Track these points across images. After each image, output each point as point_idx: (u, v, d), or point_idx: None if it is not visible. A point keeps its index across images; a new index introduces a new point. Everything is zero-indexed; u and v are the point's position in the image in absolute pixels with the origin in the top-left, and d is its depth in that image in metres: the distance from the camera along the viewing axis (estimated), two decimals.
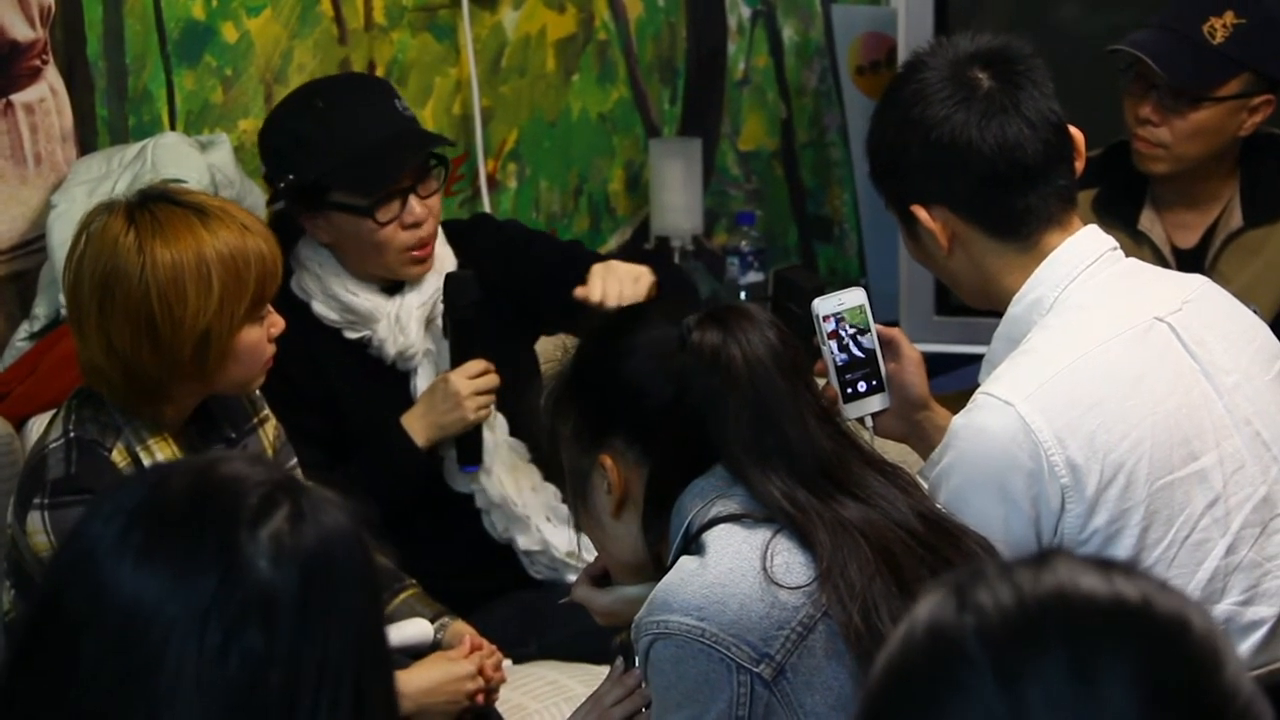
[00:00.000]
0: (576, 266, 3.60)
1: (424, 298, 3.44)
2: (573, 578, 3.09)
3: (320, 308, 3.42)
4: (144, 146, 3.54)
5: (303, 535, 1.48)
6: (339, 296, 3.41)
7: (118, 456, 2.82)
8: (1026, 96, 2.54)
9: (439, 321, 3.45)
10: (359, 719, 1.47)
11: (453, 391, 3.38)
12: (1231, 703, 1.27)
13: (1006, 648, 1.26)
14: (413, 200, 3.36)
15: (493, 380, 3.41)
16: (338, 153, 3.32)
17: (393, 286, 3.45)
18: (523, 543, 3.50)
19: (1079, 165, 2.59)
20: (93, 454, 2.81)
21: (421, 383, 3.46)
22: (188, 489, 1.51)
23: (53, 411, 2.98)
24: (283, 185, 3.35)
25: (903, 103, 2.57)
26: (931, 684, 1.28)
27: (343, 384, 3.43)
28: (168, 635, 1.44)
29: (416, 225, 3.36)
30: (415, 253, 3.38)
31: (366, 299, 3.42)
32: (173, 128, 3.74)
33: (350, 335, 3.43)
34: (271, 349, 2.88)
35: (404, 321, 3.43)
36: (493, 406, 3.45)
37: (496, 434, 3.49)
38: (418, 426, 3.40)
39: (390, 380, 3.46)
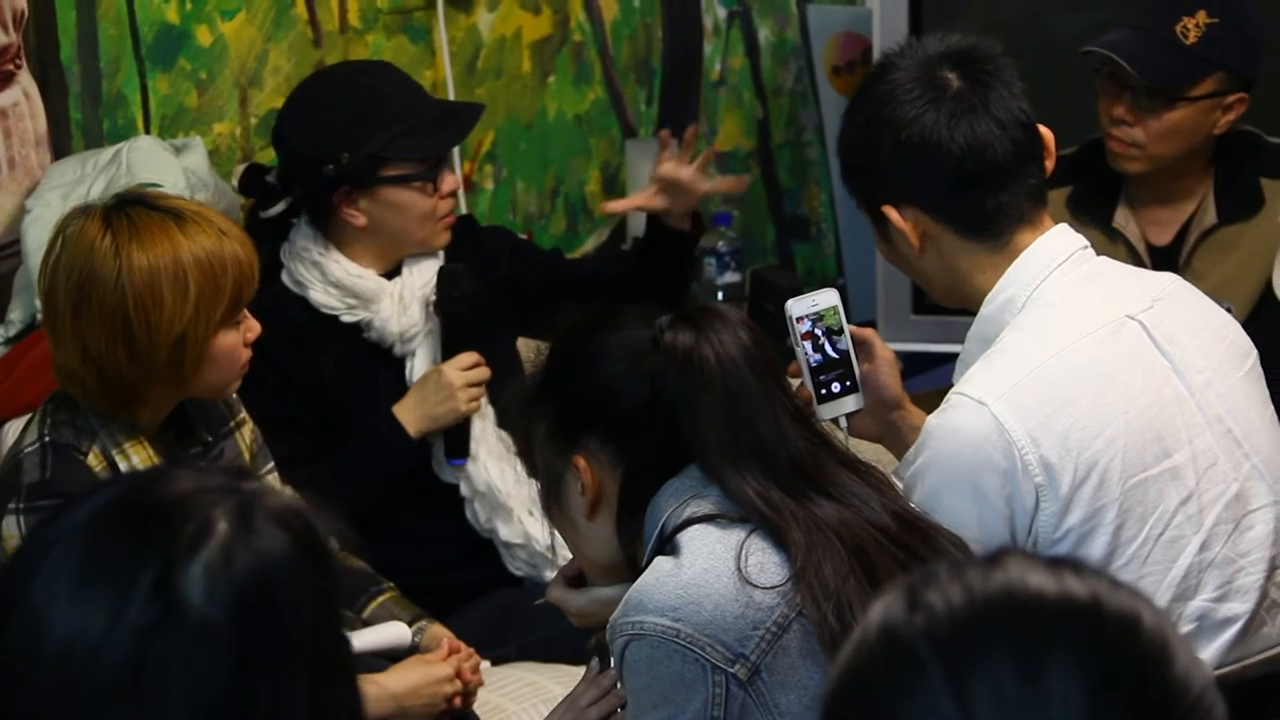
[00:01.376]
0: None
1: (425, 279, 3.48)
2: (550, 574, 3.09)
3: (319, 295, 3.44)
4: (118, 150, 3.53)
5: (236, 564, 1.42)
6: (342, 281, 3.44)
7: (93, 460, 2.82)
8: (996, 96, 2.54)
9: (434, 310, 3.49)
10: None
11: (445, 383, 3.41)
12: (1181, 698, 1.27)
13: (954, 649, 1.26)
14: (446, 170, 3.46)
15: (484, 372, 3.45)
16: (396, 123, 3.39)
17: (391, 273, 3.49)
18: (504, 533, 3.51)
19: (1049, 164, 2.60)
20: (68, 458, 2.81)
21: (418, 367, 3.48)
22: (124, 517, 1.46)
23: (29, 415, 2.98)
24: (331, 167, 3.36)
25: (872, 103, 2.58)
26: (883, 685, 1.28)
27: (336, 372, 3.44)
28: (104, 677, 1.40)
29: (452, 194, 3.47)
30: (450, 219, 3.49)
31: (371, 280, 3.45)
32: (147, 131, 3.73)
33: (348, 319, 3.45)
34: (247, 354, 2.89)
35: (407, 301, 3.46)
36: (484, 397, 3.47)
37: (486, 422, 3.51)
38: (409, 418, 3.42)
39: (385, 366, 3.48)
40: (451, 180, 3.46)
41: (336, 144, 3.37)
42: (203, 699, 1.40)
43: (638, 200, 3.65)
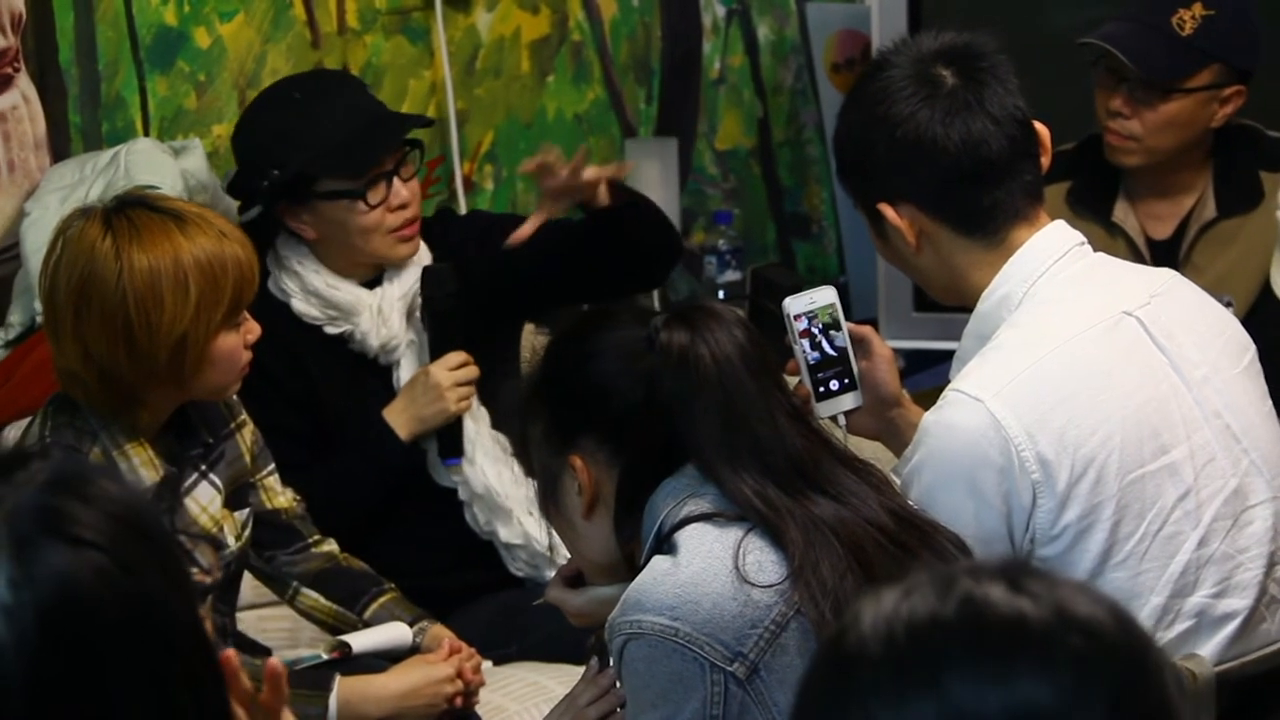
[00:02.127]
0: (546, 228, 3.63)
1: (404, 288, 3.46)
2: (551, 574, 3.09)
3: (300, 305, 3.43)
4: (117, 153, 3.54)
5: (22, 597, 1.34)
6: (320, 292, 3.42)
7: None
8: (990, 93, 2.54)
9: (419, 314, 3.47)
10: None
11: (433, 384, 3.40)
12: (1167, 708, 1.24)
13: (898, 680, 1.23)
14: (397, 182, 3.39)
15: (473, 371, 3.43)
16: (323, 140, 3.35)
17: (372, 281, 3.47)
18: (504, 535, 3.51)
19: (1045, 161, 2.60)
20: None
21: (404, 375, 3.47)
22: None
23: (29, 419, 2.99)
24: (266, 183, 3.35)
25: (867, 101, 2.57)
26: (827, 708, 1.26)
27: (324, 381, 3.44)
28: None
29: (403, 207, 3.40)
30: (404, 232, 3.42)
31: (348, 292, 3.44)
32: (146, 134, 3.74)
33: (331, 331, 3.44)
34: (248, 355, 2.89)
35: (386, 313, 3.44)
36: (475, 398, 3.46)
37: (480, 425, 3.50)
38: (399, 420, 3.42)
39: (372, 375, 3.47)
40: (403, 192, 3.39)
41: (265, 161, 3.37)
42: None
43: (537, 219, 3.40)
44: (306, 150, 3.34)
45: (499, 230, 3.59)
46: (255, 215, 3.41)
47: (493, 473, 3.49)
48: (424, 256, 3.50)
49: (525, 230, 3.42)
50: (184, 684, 1.39)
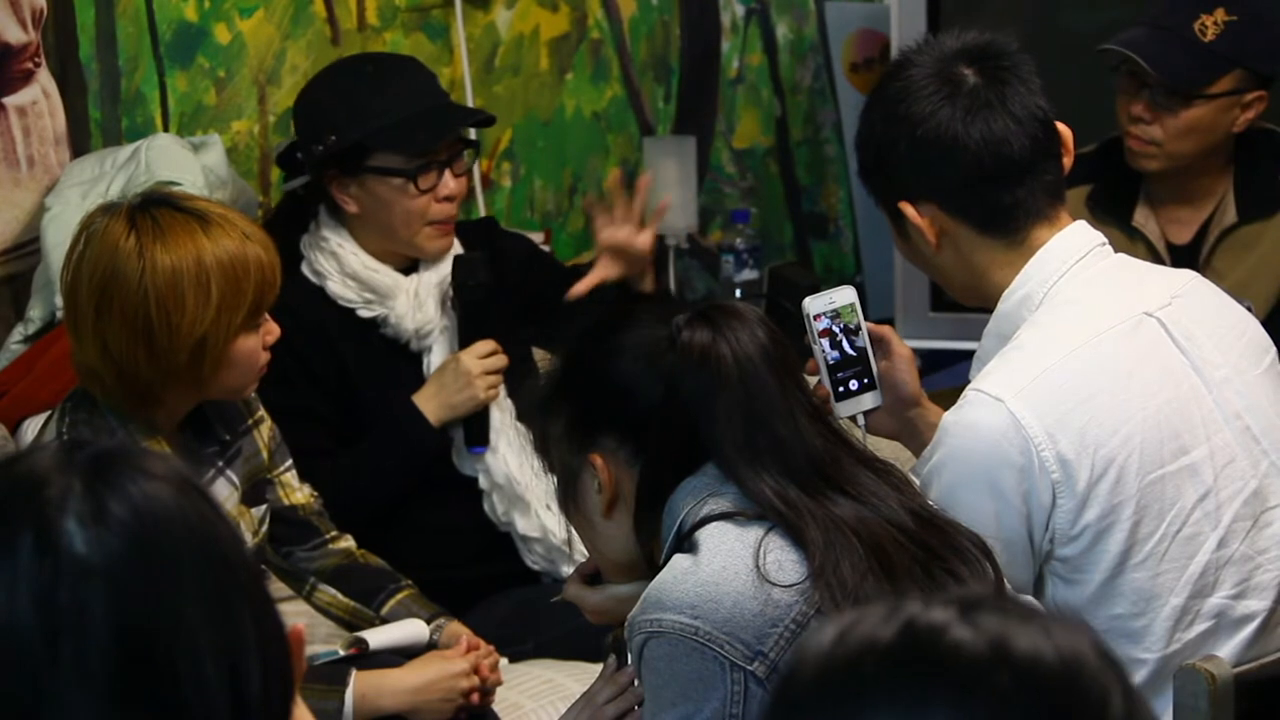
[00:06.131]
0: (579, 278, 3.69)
1: (440, 275, 3.48)
2: (567, 569, 3.10)
3: (336, 287, 3.44)
4: (137, 148, 3.55)
5: (108, 509, 1.39)
6: (358, 274, 3.43)
7: None
8: (1013, 92, 2.54)
9: (451, 302, 3.49)
10: (238, 689, 1.40)
11: (463, 371, 3.41)
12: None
13: (830, 710, 1.20)
14: (448, 174, 3.41)
15: (502, 360, 3.44)
16: (386, 114, 3.37)
17: (408, 268, 3.48)
18: (521, 526, 3.52)
19: (1067, 162, 2.60)
20: None
21: (435, 363, 3.49)
22: None
23: (47, 413, 2.99)
24: (321, 147, 3.36)
25: (889, 100, 2.57)
26: None
27: (356, 365, 3.45)
28: (19, 652, 1.36)
29: (449, 199, 3.41)
30: (443, 226, 3.43)
31: (386, 275, 3.45)
32: (166, 129, 3.75)
33: (365, 314, 3.45)
34: (266, 357, 2.89)
35: (422, 298, 3.46)
36: (502, 387, 3.47)
37: (505, 415, 3.51)
38: (429, 407, 3.43)
39: (404, 360, 3.49)
40: (451, 185, 3.41)
41: (325, 126, 3.38)
42: (109, 644, 1.36)
43: (595, 277, 3.57)
44: (368, 120, 3.36)
45: (542, 264, 3.63)
46: (300, 185, 3.43)
47: (515, 463, 3.50)
48: (457, 249, 3.52)
49: (581, 288, 3.54)
50: (250, 617, 1.44)
